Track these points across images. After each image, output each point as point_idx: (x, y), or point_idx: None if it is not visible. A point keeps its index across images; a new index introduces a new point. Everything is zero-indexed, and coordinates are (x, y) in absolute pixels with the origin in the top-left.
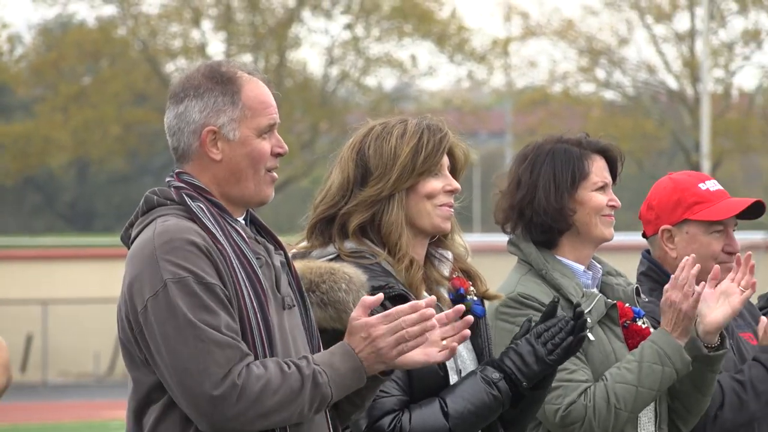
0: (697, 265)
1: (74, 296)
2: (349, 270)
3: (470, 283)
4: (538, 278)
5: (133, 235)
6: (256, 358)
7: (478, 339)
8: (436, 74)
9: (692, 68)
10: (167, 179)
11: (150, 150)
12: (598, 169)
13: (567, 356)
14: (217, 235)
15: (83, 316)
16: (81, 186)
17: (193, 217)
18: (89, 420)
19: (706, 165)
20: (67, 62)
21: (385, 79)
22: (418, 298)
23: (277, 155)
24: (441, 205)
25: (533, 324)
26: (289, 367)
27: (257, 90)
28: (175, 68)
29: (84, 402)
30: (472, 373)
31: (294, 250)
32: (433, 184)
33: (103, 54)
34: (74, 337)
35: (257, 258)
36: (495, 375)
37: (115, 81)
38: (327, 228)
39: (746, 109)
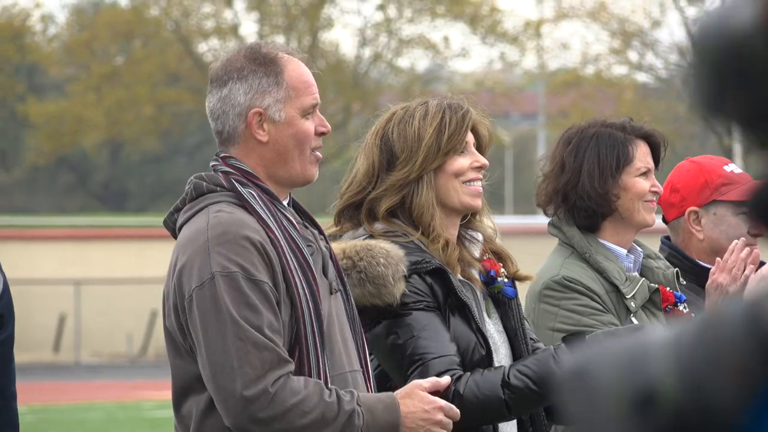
0: (747, 248)
1: (107, 276)
2: (386, 245)
3: (501, 264)
4: (582, 261)
5: (180, 221)
6: (307, 347)
7: (510, 321)
8: (469, 56)
9: None
10: (212, 163)
11: (183, 130)
12: (641, 155)
13: None
14: (270, 223)
15: (116, 297)
16: (114, 166)
17: (245, 204)
18: (122, 401)
19: (737, 148)
20: (100, 42)
21: (418, 61)
22: (454, 273)
23: (321, 134)
24: (469, 182)
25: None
26: (330, 395)
27: (299, 70)
28: (208, 48)
29: (117, 382)
30: (547, 349)
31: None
32: (460, 162)
33: (136, 34)
34: (107, 318)
35: (308, 245)
36: (567, 356)
37: (148, 61)
38: (355, 213)
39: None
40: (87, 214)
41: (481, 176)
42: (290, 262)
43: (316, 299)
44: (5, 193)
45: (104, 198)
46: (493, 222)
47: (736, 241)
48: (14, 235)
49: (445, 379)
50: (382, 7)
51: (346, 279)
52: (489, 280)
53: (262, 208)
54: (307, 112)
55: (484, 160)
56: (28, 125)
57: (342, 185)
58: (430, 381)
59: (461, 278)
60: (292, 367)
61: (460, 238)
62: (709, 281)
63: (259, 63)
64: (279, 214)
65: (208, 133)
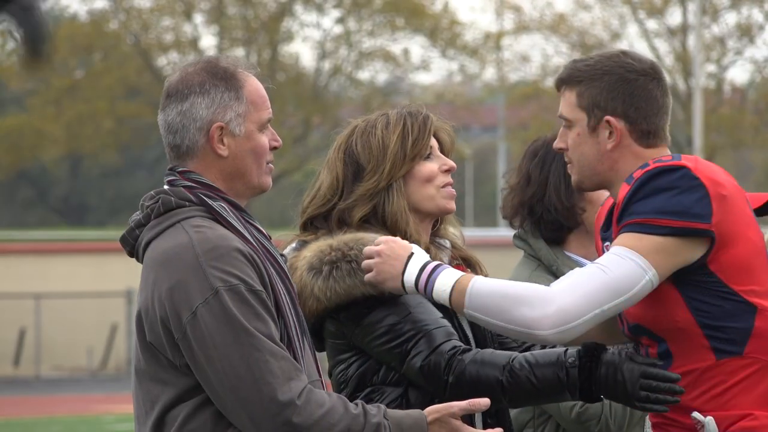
0: None
1: (67, 290)
2: (376, 234)
3: (470, 270)
4: (549, 274)
5: (147, 237)
6: (295, 358)
7: (480, 329)
8: (429, 68)
9: (684, 63)
10: (169, 178)
11: (143, 144)
12: None
13: (645, 409)
14: (246, 234)
15: (76, 310)
16: (74, 180)
17: (217, 217)
18: (83, 414)
19: None
20: (60, 55)
21: (378, 73)
22: None
23: (273, 148)
24: (443, 186)
25: (646, 360)
26: (356, 408)
27: (256, 84)
28: (167, 62)
29: (77, 396)
30: (559, 353)
31: (295, 242)
32: (429, 167)
33: (96, 48)
34: (67, 331)
35: (281, 255)
36: (570, 360)
37: (108, 75)
38: (324, 224)
39: (739, 104)
40: (47, 228)
41: (451, 180)
42: (270, 272)
43: (297, 307)
44: None
45: (64, 212)
46: (459, 229)
47: None
48: None
49: (483, 402)
50: (341, 20)
51: (334, 272)
52: None
53: (235, 221)
54: (263, 127)
55: (451, 163)
56: None
57: (304, 199)
58: (466, 405)
59: None
60: (305, 375)
61: (430, 245)
62: None
63: (220, 77)
64: (249, 225)
65: None
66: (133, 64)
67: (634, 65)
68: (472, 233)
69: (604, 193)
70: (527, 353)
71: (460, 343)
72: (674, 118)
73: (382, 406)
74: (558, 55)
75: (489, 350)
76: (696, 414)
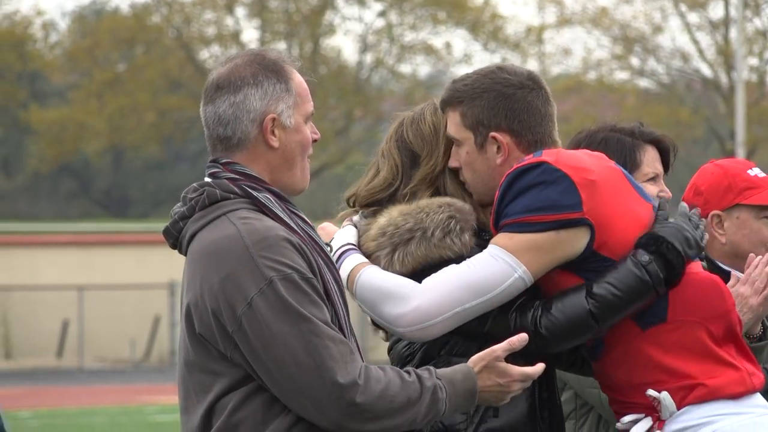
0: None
1: (110, 282)
2: (448, 198)
3: None
4: None
5: (192, 229)
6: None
7: None
8: (471, 61)
9: (726, 56)
10: (212, 170)
11: (185, 137)
12: (649, 160)
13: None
14: (292, 225)
15: (119, 302)
16: (116, 172)
17: (263, 209)
18: (125, 405)
19: (740, 153)
20: (102, 49)
21: (420, 67)
22: None
23: (314, 141)
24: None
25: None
26: (409, 376)
27: (300, 78)
28: (209, 55)
29: (120, 387)
30: (622, 258)
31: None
32: None
33: (138, 41)
34: (110, 323)
35: (327, 245)
36: (645, 258)
37: (150, 68)
38: (387, 206)
39: None
40: (89, 220)
41: None
42: (318, 260)
43: (344, 295)
44: (8, 200)
45: (106, 204)
46: None
47: (759, 257)
48: (17, 241)
49: (521, 337)
50: (383, 14)
51: (410, 241)
52: None
53: (280, 211)
54: (308, 119)
55: None
56: (31, 132)
57: (359, 185)
58: (505, 345)
59: None
60: (359, 356)
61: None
62: (730, 290)
63: (271, 70)
64: (294, 216)
65: None
66: (175, 57)
67: (510, 79)
68: None
69: (647, 186)
70: (599, 277)
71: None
72: (716, 112)
73: (432, 368)
74: (600, 48)
75: (557, 297)
76: (650, 391)
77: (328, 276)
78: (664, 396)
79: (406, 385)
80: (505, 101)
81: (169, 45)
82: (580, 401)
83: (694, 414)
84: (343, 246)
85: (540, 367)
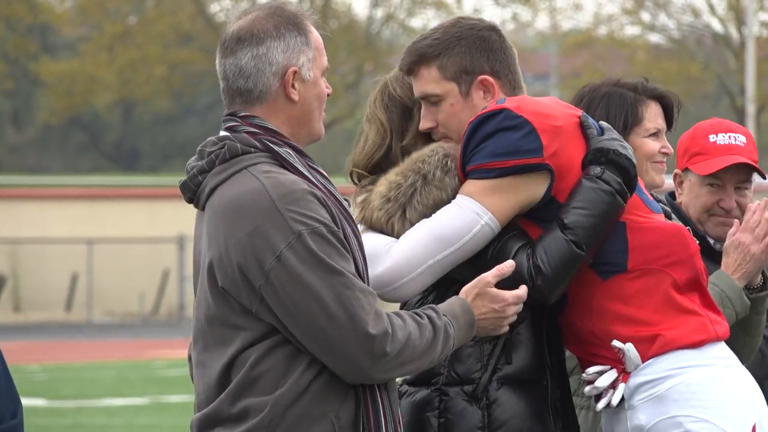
0: None
1: (119, 235)
2: (434, 144)
3: None
4: None
5: (213, 183)
6: None
7: None
8: (481, 16)
9: (737, 11)
10: (230, 124)
11: (195, 90)
12: (652, 115)
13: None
14: (312, 179)
15: (128, 256)
16: (126, 126)
17: (283, 163)
18: (134, 359)
19: (751, 109)
20: (112, 2)
21: (431, 21)
22: None
23: (327, 95)
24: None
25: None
26: (422, 318)
27: (317, 32)
28: (220, 9)
29: (129, 341)
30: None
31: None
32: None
33: None
34: (119, 277)
35: (345, 199)
36: (597, 170)
37: (160, 21)
38: (390, 165)
39: None
40: (99, 173)
41: None
42: (338, 215)
43: (363, 249)
44: (17, 153)
45: (116, 158)
46: None
47: (758, 201)
48: (26, 194)
49: (508, 264)
50: None
51: (415, 194)
52: None
53: (301, 166)
54: (324, 73)
55: None
56: (41, 85)
57: (354, 156)
58: (495, 272)
59: None
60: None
61: None
62: (728, 240)
63: (292, 23)
64: (313, 170)
65: (220, 93)
66: (186, 10)
67: (478, 25)
68: None
69: (648, 141)
70: (565, 207)
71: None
72: (727, 67)
73: (434, 306)
74: (610, 3)
75: (539, 239)
76: (615, 342)
77: (348, 230)
78: (629, 347)
79: (423, 329)
80: (483, 43)
81: None
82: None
83: (657, 366)
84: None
85: (524, 288)
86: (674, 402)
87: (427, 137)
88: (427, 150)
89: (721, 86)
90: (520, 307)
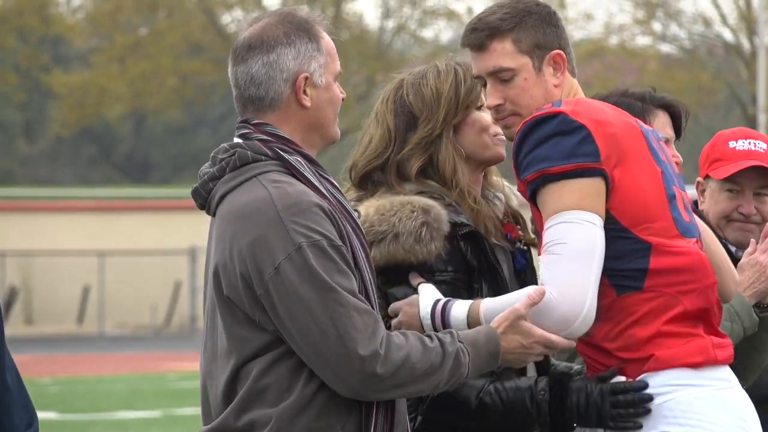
0: None
1: (131, 248)
2: (429, 201)
3: (519, 228)
4: None
5: (222, 190)
6: (375, 310)
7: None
8: None
9: (749, 21)
10: (243, 131)
11: (206, 101)
12: (660, 125)
13: (618, 428)
14: (322, 190)
15: (140, 268)
16: (137, 137)
17: (294, 172)
18: (146, 372)
19: (762, 119)
20: (124, 13)
21: (442, 32)
22: (488, 236)
23: (341, 100)
24: (496, 135)
25: (614, 378)
26: (431, 341)
27: (329, 37)
28: (231, 20)
29: (141, 354)
30: (531, 378)
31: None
32: (486, 116)
33: (160, 5)
34: (131, 289)
35: (355, 210)
36: (541, 395)
37: (172, 32)
38: (382, 177)
39: None
40: (110, 185)
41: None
42: (346, 226)
43: (371, 262)
44: (29, 165)
45: (127, 169)
46: (506, 182)
47: None
48: (38, 206)
49: (539, 291)
50: None
51: (382, 241)
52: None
53: (311, 175)
54: (336, 78)
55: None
56: (52, 96)
57: (354, 155)
58: (527, 302)
59: (495, 241)
60: (383, 325)
61: (485, 198)
62: (745, 258)
63: (303, 29)
64: (324, 180)
65: (231, 103)
66: (197, 21)
67: (541, 3)
68: None
69: None
70: (501, 378)
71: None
72: (738, 77)
73: (454, 332)
74: (622, 13)
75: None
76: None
77: (356, 242)
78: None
79: (428, 351)
80: (552, 19)
81: (191, 9)
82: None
83: (651, 381)
84: (438, 300)
85: (566, 342)
86: (663, 417)
87: (425, 151)
88: (408, 208)
89: (732, 96)
90: (549, 351)
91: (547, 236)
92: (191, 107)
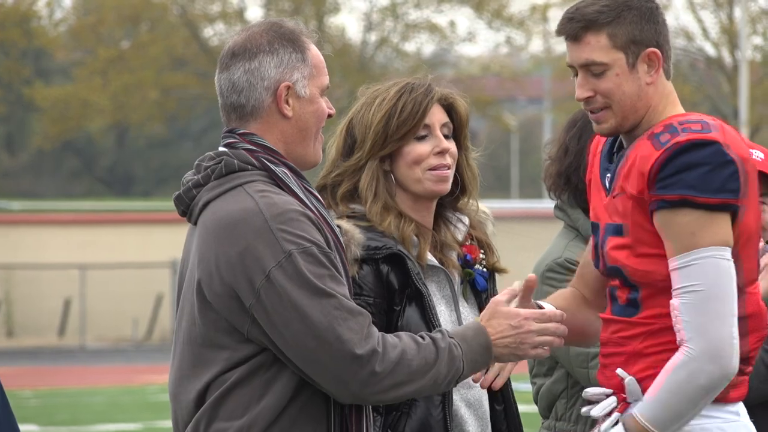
0: None
1: (113, 260)
2: (346, 225)
3: (481, 251)
4: (585, 244)
5: (206, 197)
6: None
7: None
8: (475, 40)
9: (731, 35)
10: (229, 140)
11: (188, 115)
12: None
13: None
14: (307, 202)
15: (121, 281)
16: (120, 150)
17: (279, 183)
18: (127, 385)
19: (744, 132)
20: (106, 26)
21: (424, 45)
22: (420, 259)
23: (329, 116)
24: (432, 169)
25: None
26: (423, 339)
27: (317, 50)
28: (214, 33)
29: (122, 366)
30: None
31: None
32: (419, 149)
33: (142, 18)
34: (112, 302)
35: (338, 226)
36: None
37: (154, 45)
38: (325, 195)
39: None
40: (92, 198)
41: (446, 161)
42: (332, 240)
43: (349, 278)
44: (11, 178)
45: (110, 182)
46: (486, 208)
47: None
48: (20, 219)
49: (530, 278)
50: None
51: None
52: (464, 264)
53: (296, 187)
54: (323, 92)
55: (445, 145)
56: (34, 109)
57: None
58: (507, 292)
59: (434, 261)
60: (377, 327)
61: (444, 221)
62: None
63: (288, 39)
64: (309, 194)
65: (214, 117)
66: (180, 34)
67: None
68: (518, 205)
69: None
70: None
71: None
72: (720, 91)
73: (443, 329)
74: None
75: None
76: (620, 370)
77: (337, 256)
78: (630, 381)
79: (422, 348)
80: (651, 16)
81: (174, 22)
82: (571, 380)
83: None
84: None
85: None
86: None
87: (352, 177)
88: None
89: (714, 109)
90: (545, 325)
91: (690, 273)
92: (173, 120)
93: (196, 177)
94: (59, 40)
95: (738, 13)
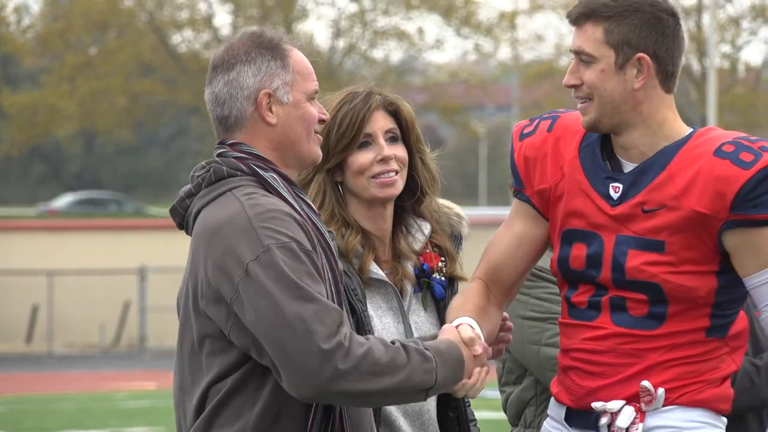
0: None
1: (80, 267)
2: None
3: (442, 259)
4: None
5: (198, 205)
6: None
7: (440, 322)
8: (443, 47)
9: (699, 43)
10: (220, 150)
11: (156, 121)
12: None
13: None
14: (295, 205)
15: (89, 287)
16: (87, 156)
17: (268, 188)
18: (94, 391)
19: None
20: (74, 32)
21: (392, 52)
22: (362, 272)
23: (321, 121)
24: (376, 175)
25: None
26: (393, 343)
27: (301, 57)
28: (182, 40)
29: (89, 373)
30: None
31: None
32: (361, 159)
33: (110, 24)
34: (80, 308)
35: (329, 231)
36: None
37: (122, 52)
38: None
39: (753, 84)
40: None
41: (391, 167)
42: (319, 244)
43: (338, 286)
44: None
45: (77, 188)
46: (460, 211)
47: None
48: None
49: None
50: None
51: None
52: (422, 274)
53: (286, 192)
54: (311, 97)
55: (387, 152)
56: (2, 116)
57: None
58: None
59: (379, 274)
60: (349, 326)
61: (405, 228)
62: None
63: (266, 47)
64: (298, 198)
65: (182, 123)
66: (148, 41)
67: (661, 4)
68: (486, 212)
69: None
70: None
71: None
72: (688, 98)
73: (417, 340)
74: (572, 34)
75: None
76: (645, 383)
77: (324, 261)
78: (661, 393)
79: (390, 349)
80: (657, 25)
81: (142, 29)
82: (540, 388)
83: (677, 415)
84: None
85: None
86: None
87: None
88: None
89: (682, 117)
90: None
91: None
92: (141, 127)
93: (188, 187)
94: (27, 47)
95: (706, 20)
